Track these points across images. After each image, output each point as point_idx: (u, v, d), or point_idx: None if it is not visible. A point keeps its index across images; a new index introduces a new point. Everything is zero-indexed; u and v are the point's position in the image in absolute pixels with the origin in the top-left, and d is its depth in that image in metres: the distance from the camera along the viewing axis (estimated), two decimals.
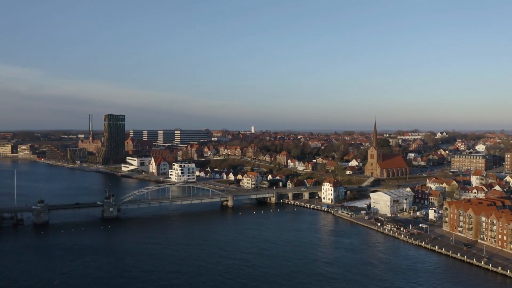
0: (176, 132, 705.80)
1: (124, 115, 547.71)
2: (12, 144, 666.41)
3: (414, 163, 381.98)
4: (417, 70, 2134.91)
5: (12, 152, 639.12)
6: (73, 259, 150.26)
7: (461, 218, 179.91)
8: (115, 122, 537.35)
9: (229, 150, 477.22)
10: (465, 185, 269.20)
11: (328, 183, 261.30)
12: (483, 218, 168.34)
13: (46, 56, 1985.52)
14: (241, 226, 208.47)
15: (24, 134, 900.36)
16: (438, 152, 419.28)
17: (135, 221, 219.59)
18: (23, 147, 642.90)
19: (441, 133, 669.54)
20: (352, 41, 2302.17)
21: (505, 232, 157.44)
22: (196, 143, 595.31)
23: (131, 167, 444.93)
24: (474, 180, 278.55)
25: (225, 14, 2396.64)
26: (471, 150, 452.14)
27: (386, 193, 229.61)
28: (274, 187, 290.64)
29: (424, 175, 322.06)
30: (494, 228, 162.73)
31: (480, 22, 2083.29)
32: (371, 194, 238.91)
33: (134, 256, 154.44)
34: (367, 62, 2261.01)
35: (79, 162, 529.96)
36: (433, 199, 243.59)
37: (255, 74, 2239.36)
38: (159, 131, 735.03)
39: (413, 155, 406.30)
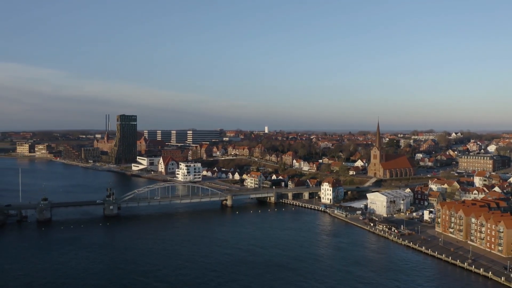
0: (188, 132, 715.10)
1: (136, 116, 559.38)
2: (30, 143, 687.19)
3: (422, 163, 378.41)
4: (436, 70, 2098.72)
5: (30, 152, 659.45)
6: (65, 252, 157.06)
7: (453, 219, 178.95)
8: (127, 123, 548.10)
9: (237, 150, 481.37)
10: (469, 186, 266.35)
11: (327, 183, 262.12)
12: (473, 220, 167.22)
13: (69, 57, 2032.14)
14: (235, 224, 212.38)
15: (42, 134, 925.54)
16: (447, 153, 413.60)
17: (135, 218, 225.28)
18: (40, 147, 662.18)
19: (456, 133, 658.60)
20: (372, 41, 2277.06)
21: (493, 233, 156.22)
22: (208, 143, 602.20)
23: (141, 167, 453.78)
24: (477, 181, 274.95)
25: (243, 14, 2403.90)
26: (482, 150, 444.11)
27: (382, 194, 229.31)
28: (274, 187, 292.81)
29: (428, 175, 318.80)
30: (483, 229, 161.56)
31: (501, 22, 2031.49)
32: (368, 195, 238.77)
33: (126, 251, 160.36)
34: (387, 62, 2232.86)
35: (92, 161, 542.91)
36: (433, 200, 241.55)
37: (273, 74, 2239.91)
38: (172, 131, 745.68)
39: (421, 155, 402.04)
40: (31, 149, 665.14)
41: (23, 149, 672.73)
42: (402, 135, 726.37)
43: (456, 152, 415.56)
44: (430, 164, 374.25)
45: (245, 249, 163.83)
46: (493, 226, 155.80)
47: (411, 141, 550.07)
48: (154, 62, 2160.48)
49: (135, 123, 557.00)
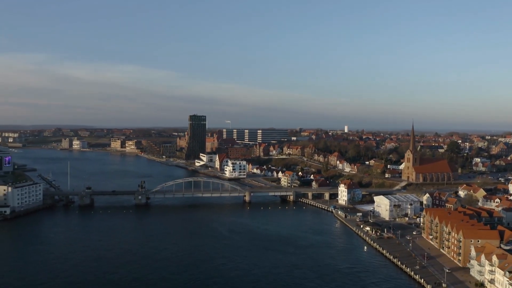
0: (258, 131, 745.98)
1: (205, 116, 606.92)
2: (122, 140, 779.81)
3: (475, 168, 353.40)
4: None
5: (121, 147, 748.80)
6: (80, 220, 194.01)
7: (432, 226, 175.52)
8: (197, 122, 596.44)
9: (291, 149, 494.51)
10: (504, 193, 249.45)
11: (343, 185, 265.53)
12: (445, 227, 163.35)
13: (181, 59, 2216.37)
14: (235, 216, 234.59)
15: (140, 131, 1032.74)
16: (509, 158, 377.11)
17: (159, 208, 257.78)
18: (130, 143, 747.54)
19: None
20: (491, 35, 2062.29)
21: (455, 242, 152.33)
22: (276, 142, 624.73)
23: (202, 163, 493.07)
24: None
25: (357, 8, 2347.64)
26: None
27: (387, 198, 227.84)
28: (292, 186, 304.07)
29: (469, 181, 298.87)
30: (450, 237, 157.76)
31: None
32: (375, 198, 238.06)
33: (133, 233, 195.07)
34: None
35: (165, 157, 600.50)
36: (449, 207, 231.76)
37: (391, 71, 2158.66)
38: (245, 130, 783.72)
39: (478, 159, 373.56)
40: (123, 145, 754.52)
41: (116, 144, 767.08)
42: (489, 137, 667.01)
43: None
44: (483, 169, 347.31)
45: (219, 239, 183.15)
46: (456, 235, 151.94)
47: (484, 143, 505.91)
48: (257, 61, 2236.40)
49: (204, 122, 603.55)
